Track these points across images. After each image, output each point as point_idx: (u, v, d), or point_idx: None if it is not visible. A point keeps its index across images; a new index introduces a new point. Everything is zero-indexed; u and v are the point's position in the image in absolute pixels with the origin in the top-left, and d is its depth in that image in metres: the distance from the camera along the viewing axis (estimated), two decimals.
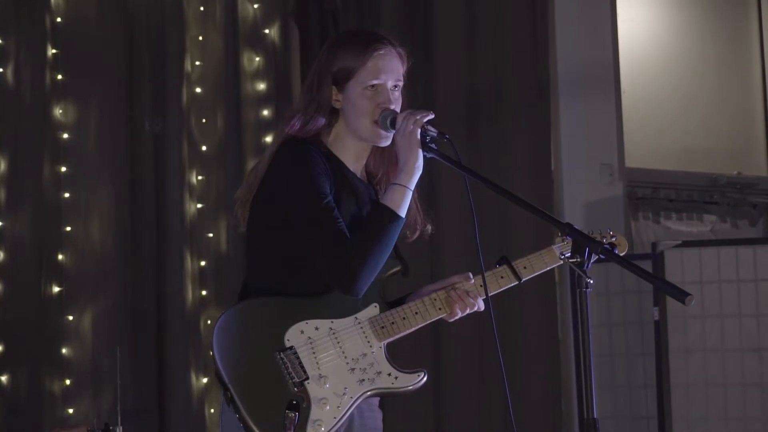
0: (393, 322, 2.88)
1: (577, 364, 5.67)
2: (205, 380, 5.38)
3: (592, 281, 2.50)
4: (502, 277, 2.97)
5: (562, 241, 2.99)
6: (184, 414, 5.32)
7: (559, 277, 5.91)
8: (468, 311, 2.95)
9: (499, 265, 2.97)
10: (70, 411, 5.15)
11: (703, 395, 5.51)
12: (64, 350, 5.18)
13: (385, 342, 2.87)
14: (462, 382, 5.72)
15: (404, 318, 2.89)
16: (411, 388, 2.87)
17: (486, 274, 2.94)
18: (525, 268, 2.98)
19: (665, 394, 5.50)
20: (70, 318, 5.21)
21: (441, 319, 2.96)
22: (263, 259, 2.91)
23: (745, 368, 5.49)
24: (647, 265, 5.35)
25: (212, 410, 5.41)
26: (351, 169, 2.97)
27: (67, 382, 5.17)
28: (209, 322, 5.43)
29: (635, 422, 5.67)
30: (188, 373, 5.31)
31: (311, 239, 2.82)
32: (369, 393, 2.84)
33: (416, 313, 2.91)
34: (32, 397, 5.09)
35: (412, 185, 2.88)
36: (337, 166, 2.92)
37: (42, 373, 5.11)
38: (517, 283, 2.97)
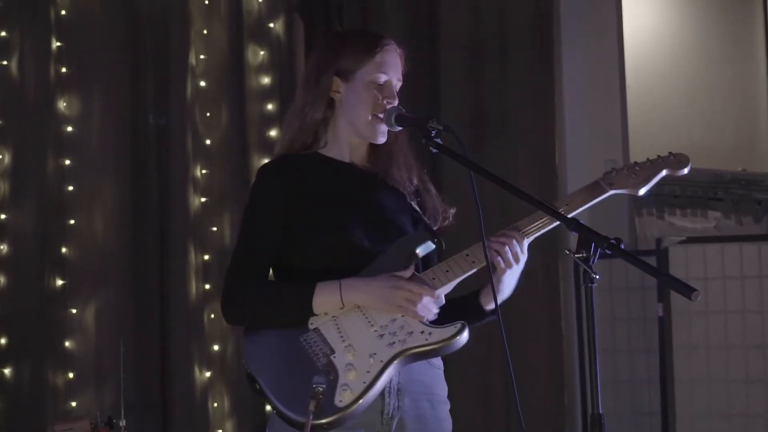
0: (423, 284, 2.78)
1: (582, 359, 5.66)
2: (208, 374, 5.38)
3: (598, 276, 2.48)
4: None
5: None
6: (187, 408, 5.32)
7: (563, 272, 5.90)
8: (510, 256, 2.82)
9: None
10: (73, 404, 5.15)
11: (706, 392, 5.49)
12: (67, 343, 5.19)
13: None
14: (464, 377, 5.71)
15: (434, 278, 2.79)
16: (451, 342, 2.72)
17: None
18: (567, 204, 2.98)
19: (669, 391, 5.49)
20: (74, 311, 5.22)
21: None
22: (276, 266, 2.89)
23: (748, 365, 5.48)
24: (651, 261, 5.33)
25: (215, 404, 5.40)
26: (347, 161, 2.93)
27: (71, 375, 5.17)
28: (213, 316, 5.43)
29: (638, 418, 5.66)
30: (191, 366, 5.31)
31: (233, 256, 2.83)
32: (402, 356, 2.69)
33: (447, 270, 2.80)
34: (35, 390, 5.09)
35: (351, 305, 2.74)
36: (325, 167, 2.89)
37: (45, 366, 5.11)
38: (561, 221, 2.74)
